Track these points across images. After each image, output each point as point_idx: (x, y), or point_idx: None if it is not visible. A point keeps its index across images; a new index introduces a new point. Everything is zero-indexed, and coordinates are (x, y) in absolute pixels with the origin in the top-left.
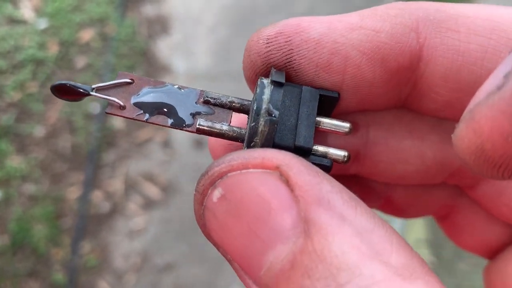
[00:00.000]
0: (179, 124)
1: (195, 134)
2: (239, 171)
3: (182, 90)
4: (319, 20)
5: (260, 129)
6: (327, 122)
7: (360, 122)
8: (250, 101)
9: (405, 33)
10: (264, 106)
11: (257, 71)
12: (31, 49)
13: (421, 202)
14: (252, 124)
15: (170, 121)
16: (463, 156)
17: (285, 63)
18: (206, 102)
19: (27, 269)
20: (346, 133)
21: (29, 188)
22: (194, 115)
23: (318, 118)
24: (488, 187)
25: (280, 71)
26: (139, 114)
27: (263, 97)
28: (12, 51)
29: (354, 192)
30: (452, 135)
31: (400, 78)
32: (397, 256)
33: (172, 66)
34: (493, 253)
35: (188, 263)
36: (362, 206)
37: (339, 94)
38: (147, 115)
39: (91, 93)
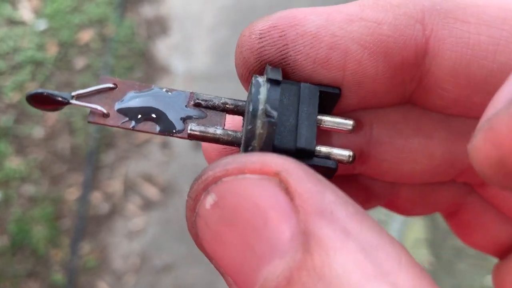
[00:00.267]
0: (168, 130)
1: None
2: (234, 176)
3: (170, 93)
4: (316, 12)
5: (257, 132)
6: (328, 120)
7: (363, 119)
8: (244, 101)
9: (409, 24)
10: (261, 106)
11: (250, 68)
12: (30, 50)
13: (428, 200)
14: (249, 127)
15: (158, 127)
16: (480, 168)
17: (280, 60)
18: (197, 105)
19: (26, 270)
20: (350, 131)
21: (29, 189)
22: (184, 119)
23: (319, 116)
24: None
25: (276, 67)
26: (124, 122)
27: (259, 97)
28: (11, 52)
29: (358, 190)
30: (468, 145)
31: (404, 74)
32: (406, 277)
33: (171, 67)
34: (503, 252)
35: (187, 264)
36: (368, 219)
37: (340, 89)
38: (133, 122)
39: (70, 101)
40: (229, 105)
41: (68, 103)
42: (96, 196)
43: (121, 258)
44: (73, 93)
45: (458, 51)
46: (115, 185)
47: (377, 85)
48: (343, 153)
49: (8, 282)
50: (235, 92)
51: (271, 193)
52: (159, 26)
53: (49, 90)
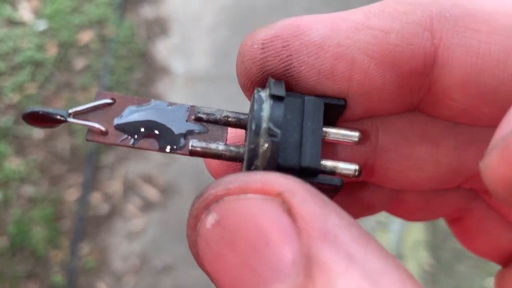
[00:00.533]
0: (169, 147)
1: None
2: (236, 196)
3: (170, 107)
4: (320, 20)
5: (261, 151)
6: (333, 132)
7: (368, 127)
8: (246, 114)
9: (417, 33)
10: (264, 125)
11: (252, 79)
12: (30, 51)
13: (433, 206)
14: (252, 146)
15: (158, 144)
16: (493, 187)
17: (283, 71)
18: (198, 119)
19: (26, 270)
20: (356, 143)
21: (28, 190)
22: (185, 135)
23: (323, 129)
24: None
25: (279, 80)
26: (123, 139)
27: (261, 114)
28: (11, 53)
29: (361, 197)
30: (480, 163)
31: (412, 83)
32: None
33: (171, 68)
34: (507, 259)
35: (187, 265)
36: (373, 243)
37: (345, 101)
38: (132, 140)
39: (68, 119)
40: (231, 118)
41: (65, 121)
42: (95, 197)
43: (121, 259)
44: (70, 111)
45: (468, 60)
46: (115, 186)
47: (383, 95)
48: (349, 167)
49: (7, 283)
50: (235, 92)
51: (273, 214)
52: (159, 27)
53: (45, 108)
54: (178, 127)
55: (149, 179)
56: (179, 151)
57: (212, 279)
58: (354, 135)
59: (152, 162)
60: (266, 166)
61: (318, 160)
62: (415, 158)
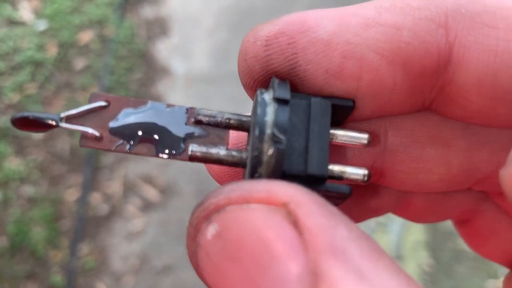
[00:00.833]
0: (167, 152)
1: None
2: (238, 206)
3: (168, 109)
4: (328, 15)
5: (265, 159)
6: (341, 135)
7: (376, 127)
8: (249, 116)
9: (431, 30)
10: (268, 130)
11: (255, 78)
12: (30, 51)
13: (441, 207)
14: (255, 153)
15: (156, 149)
16: None
17: (288, 70)
18: (198, 122)
19: (25, 271)
20: (364, 145)
21: (28, 190)
22: (184, 139)
23: (331, 131)
24: None
25: (283, 81)
26: (119, 145)
27: (265, 119)
28: (11, 53)
29: (368, 198)
30: (500, 171)
31: (424, 83)
32: None
33: (171, 68)
34: None
35: (187, 265)
36: (384, 258)
37: (354, 102)
38: (128, 146)
39: (60, 124)
40: (232, 121)
41: (57, 126)
42: (95, 197)
43: (121, 259)
44: (62, 115)
45: (485, 59)
46: (115, 186)
47: (394, 95)
48: (357, 172)
49: (7, 283)
50: (235, 93)
51: (278, 226)
52: (159, 27)
53: (36, 112)
54: (176, 131)
55: (149, 180)
56: (178, 157)
57: None
58: (363, 137)
59: (152, 162)
60: (270, 174)
61: (325, 167)
62: (425, 159)
